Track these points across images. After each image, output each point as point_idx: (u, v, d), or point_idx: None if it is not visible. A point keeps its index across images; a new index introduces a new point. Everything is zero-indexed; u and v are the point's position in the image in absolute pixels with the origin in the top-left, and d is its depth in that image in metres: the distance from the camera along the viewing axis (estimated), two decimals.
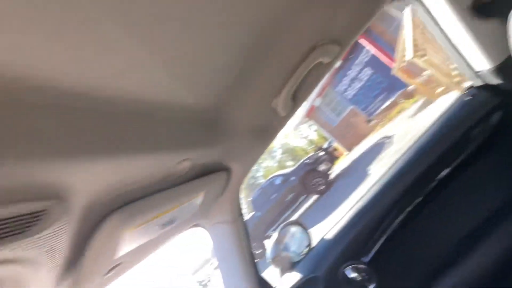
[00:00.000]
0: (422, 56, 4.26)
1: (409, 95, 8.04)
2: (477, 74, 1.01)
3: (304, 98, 0.78)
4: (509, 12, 0.69)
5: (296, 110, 0.82)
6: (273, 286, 1.19)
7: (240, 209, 0.97)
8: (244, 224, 0.99)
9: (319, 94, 11.83)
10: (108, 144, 0.37)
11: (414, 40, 4.17)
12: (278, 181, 8.40)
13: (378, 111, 10.18)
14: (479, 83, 1.05)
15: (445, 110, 1.11)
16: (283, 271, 1.28)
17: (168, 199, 0.54)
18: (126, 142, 0.40)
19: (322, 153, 8.56)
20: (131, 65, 0.38)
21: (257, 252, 7.28)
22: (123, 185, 0.43)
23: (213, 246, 0.99)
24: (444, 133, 1.05)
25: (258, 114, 0.75)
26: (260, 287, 1.08)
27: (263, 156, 1.13)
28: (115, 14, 0.30)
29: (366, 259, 0.99)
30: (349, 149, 11.96)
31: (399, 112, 8.41)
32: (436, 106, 5.38)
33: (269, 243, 1.36)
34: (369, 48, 8.92)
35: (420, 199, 1.00)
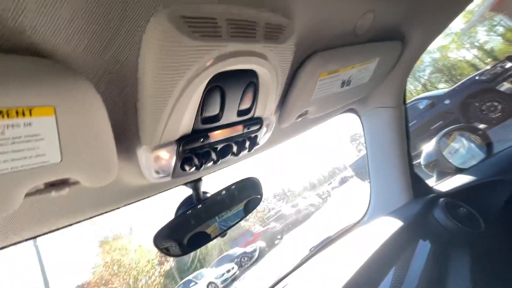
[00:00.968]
0: None
1: None
2: None
3: None
4: None
5: None
6: (429, 185, 1.13)
7: (405, 96, 0.89)
8: (406, 114, 0.91)
9: None
10: None
11: None
12: (422, 105, 6.78)
13: None
14: None
15: None
16: (440, 176, 1.18)
17: (352, 54, 0.55)
18: None
19: (510, 65, 5.88)
20: None
21: None
22: (322, 28, 0.47)
23: (367, 134, 1.01)
24: None
25: None
26: (413, 181, 1.05)
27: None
28: None
29: None
30: None
31: None
32: None
33: (427, 148, 1.23)
34: None
35: None
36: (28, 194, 0.30)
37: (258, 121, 0.48)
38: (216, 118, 0.41)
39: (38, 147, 0.26)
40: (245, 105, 0.44)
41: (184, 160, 0.42)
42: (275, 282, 0.97)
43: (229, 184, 0.66)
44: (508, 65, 5.96)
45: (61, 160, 0.28)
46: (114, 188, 0.48)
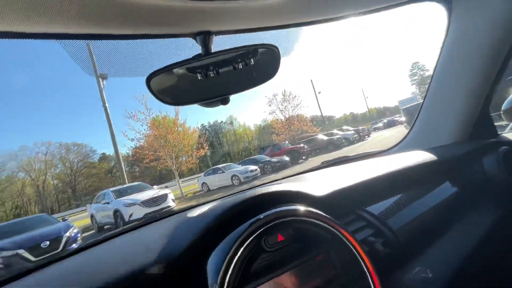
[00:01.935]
0: None
1: None
2: None
3: None
4: None
5: None
6: (496, 130, 0.90)
7: None
8: None
9: None
10: None
11: None
12: None
13: None
14: None
15: None
16: None
17: None
18: None
19: None
20: None
21: None
22: None
23: (450, 37, 0.74)
24: None
25: None
26: (479, 119, 0.84)
27: None
28: None
29: None
30: None
31: None
32: None
33: None
34: None
35: None
36: None
37: None
38: None
39: None
40: None
41: None
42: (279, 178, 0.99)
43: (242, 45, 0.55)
44: None
45: None
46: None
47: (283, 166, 12.82)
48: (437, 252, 0.64)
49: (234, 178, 11.60)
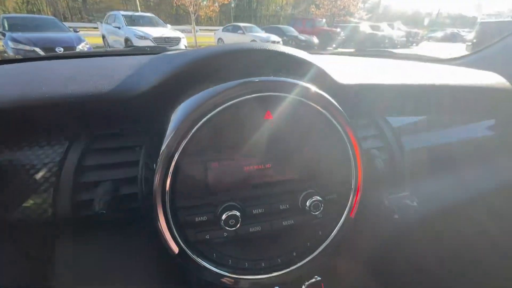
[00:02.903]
0: None
1: None
2: None
3: None
4: None
5: None
6: None
7: None
8: None
9: None
10: None
11: None
12: None
13: None
14: None
15: None
16: None
17: None
18: None
19: None
20: None
21: None
22: None
23: None
24: None
25: None
26: None
27: None
28: None
29: None
30: None
31: None
32: None
33: None
34: None
35: None
36: None
37: None
38: None
39: None
40: None
41: None
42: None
43: None
44: None
45: None
46: None
47: (308, 47, 11.55)
48: (435, 188, 0.58)
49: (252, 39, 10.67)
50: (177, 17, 27.22)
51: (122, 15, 8.44)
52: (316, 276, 0.50)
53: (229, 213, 0.36)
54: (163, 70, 0.42)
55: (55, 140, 0.44)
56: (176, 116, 0.37)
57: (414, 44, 15.99)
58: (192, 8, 12.39)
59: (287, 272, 0.42)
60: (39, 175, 0.41)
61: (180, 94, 0.40)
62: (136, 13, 9.10)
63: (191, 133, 0.35)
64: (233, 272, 0.40)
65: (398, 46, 14.42)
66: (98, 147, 0.44)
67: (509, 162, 0.68)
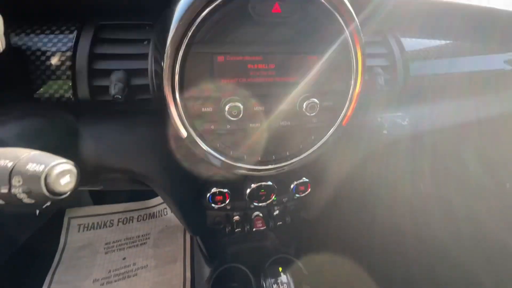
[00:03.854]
0: None
1: None
2: None
3: None
4: None
5: None
6: None
7: None
8: None
9: None
10: None
11: None
12: None
13: None
14: None
15: None
16: None
17: None
18: None
19: None
20: None
21: None
22: None
23: None
24: None
25: None
26: None
27: None
28: None
29: None
30: None
31: None
32: None
33: None
34: None
35: None
36: None
37: None
38: None
39: None
40: None
41: None
42: None
43: None
44: None
45: None
46: None
47: None
48: (430, 113, 0.60)
49: None
50: None
51: None
52: (304, 178, 0.58)
53: (232, 105, 0.40)
54: None
55: (64, 26, 0.45)
56: (180, 5, 0.36)
57: None
58: None
59: (280, 167, 0.49)
60: (55, 59, 0.44)
61: None
62: None
63: (195, 23, 0.35)
64: (232, 160, 0.46)
65: None
66: (107, 36, 0.45)
67: None
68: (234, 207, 0.63)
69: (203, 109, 0.41)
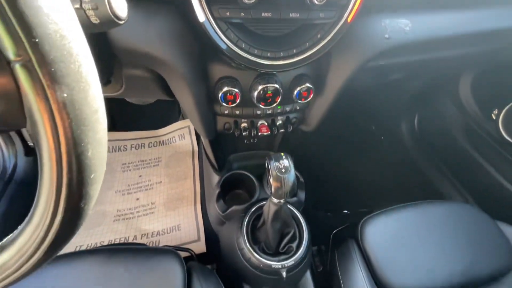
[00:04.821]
0: None
1: None
2: None
3: None
4: None
5: None
6: None
7: None
8: None
9: None
10: None
11: None
12: None
13: None
14: None
15: None
16: None
17: None
18: None
19: None
20: None
21: None
22: None
23: None
24: None
25: None
26: None
27: None
28: None
29: None
30: None
31: None
32: None
33: None
34: None
35: None
36: None
37: None
38: None
39: None
40: None
41: None
42: None
43: None
44: None
45: None
46: None
47: None
48: (434, 23, 0.62)
49: None
50: None
51: None
52: (307, 84, 0.63)
53: None
54: None
55: None
56: None
57: None
58: None
59: (287, 64, 0.53)
60: None
61: None
62: None
63: None
64: (243, 51, 0.50)
65: None
66: None
67: None
68: (242, 113, 0.70)
69: None
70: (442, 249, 0.71)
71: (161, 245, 1.06)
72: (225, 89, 0.60)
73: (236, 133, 0.74)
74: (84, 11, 0.25)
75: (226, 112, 0.69)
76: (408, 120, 1.43)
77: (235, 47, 0.49)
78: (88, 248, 1.04)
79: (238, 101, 0.62)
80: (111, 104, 0.55)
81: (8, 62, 0.16)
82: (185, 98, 0.61)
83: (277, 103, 0.64)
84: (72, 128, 0.18)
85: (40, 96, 0.17)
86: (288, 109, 0.71)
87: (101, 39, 0.47)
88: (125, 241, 1.06)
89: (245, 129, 0.73)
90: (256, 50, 0.51)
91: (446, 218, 0.77)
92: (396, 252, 0.71)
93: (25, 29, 0.15)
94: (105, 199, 1.21)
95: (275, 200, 0.59)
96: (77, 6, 0.25)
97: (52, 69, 0.16)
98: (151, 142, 1.48)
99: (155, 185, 1.28)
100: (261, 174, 0.98)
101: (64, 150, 0.19)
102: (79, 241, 1.06)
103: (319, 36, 0.52)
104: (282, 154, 0.58)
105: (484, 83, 1.10)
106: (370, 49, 0.57)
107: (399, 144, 1.49)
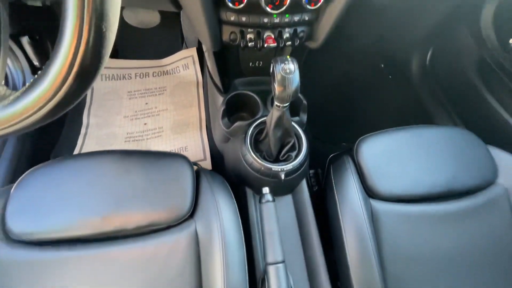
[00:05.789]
0: None
1: None
2: None
3: None
4: None
5: None
6: None
7: None
8: None
9: None
10: None
11: None
12: None
13: None
14: None
15: None
16: None
17: None
18: None
19: None
20: None
21: None
22: None
23: None
24: None
25: None
26: None
27: None
28: None
29: None
30: None
31: None
32: None
33: None
34: None
35: None
36: None
37: None
38: None
39: None
40: None
41: None
42: None
43: None
44: None
45: None
46: None
47: None
48: None
49: None
50: None
51: None
52: None
53: None
54: None
55: None
56: None
57: None
58: None
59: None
60: None
61: None
62: None
63: None
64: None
65: None
66: None
67: None
68: (249, 21, 0.68)
69: None
70: (429, 163, 0.77)
71: None
72: None
73: (242, 44, 0.73)
74: None
75: (232, 18, 0.67)
76: (421, 54, 1.38)
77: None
78: None
79: (244, 1, 0.60)
80: None
81: None
82: (192, 1, 0.59)
83: (285, 6, 0.61)
84: None
85: None
86: (296, 19, 0.69)
87: None
88: None
89: (251, 40, 0.72)
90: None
91: (438, 138, 0.81)
92: (386, 165, 0.77)
93: None
94: (115, 123, 1.27)
95: (278, 104, 0.62)
96: None
97: None
98: (155, 72, 1.47)
99: (162, 111, 1.32)
100: (265, 98, 1.00)
101: None
102: None
103: None
104: (288, 56, 0.58)
105: (507, 14, 1.02)
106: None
107: (407, 83, 1.46)
